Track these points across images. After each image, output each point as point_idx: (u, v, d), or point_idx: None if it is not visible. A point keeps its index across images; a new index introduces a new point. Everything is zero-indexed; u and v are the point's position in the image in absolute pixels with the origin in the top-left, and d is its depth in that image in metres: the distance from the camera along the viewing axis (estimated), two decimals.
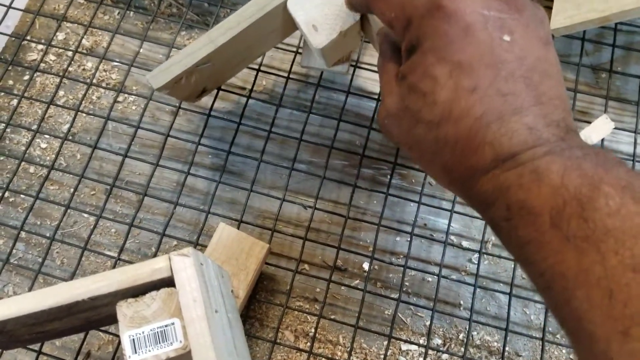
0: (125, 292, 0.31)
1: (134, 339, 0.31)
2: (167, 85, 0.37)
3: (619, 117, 0.45)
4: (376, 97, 0.45)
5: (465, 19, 0.24)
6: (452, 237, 0.43)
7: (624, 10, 0.41)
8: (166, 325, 0.31)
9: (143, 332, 0.31)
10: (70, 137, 0.45)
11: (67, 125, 0.45)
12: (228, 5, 0.49)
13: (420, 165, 0.29)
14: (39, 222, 0.44)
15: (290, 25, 0.38)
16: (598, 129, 0.43)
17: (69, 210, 0.43)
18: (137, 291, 0.31)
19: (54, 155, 0.44)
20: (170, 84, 0.37)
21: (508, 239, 0.24)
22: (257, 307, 0.41)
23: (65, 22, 0.49)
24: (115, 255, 0.41)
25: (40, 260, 0.41)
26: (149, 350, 0.30)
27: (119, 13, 0.49)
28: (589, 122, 0.44)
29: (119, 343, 0.39)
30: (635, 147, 0.43)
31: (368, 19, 0.36)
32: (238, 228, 0.42)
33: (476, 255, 0.42)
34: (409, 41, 0.26)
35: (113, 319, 0.33)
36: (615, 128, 0.44)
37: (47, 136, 0.46)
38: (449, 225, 0.42)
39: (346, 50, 0.43)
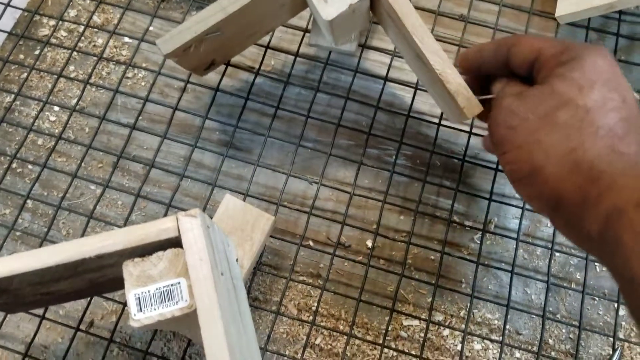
0: (132, 252, 0.31)
1: (139, 298, 0.31)
2: (176, 52, 0.37)
3: None
4: (383, 79, 0.46)
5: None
6: (456, 217, 0.43)
7: None
8: (172, 285, 0.31)
9: (149, 291, 0.31)
10: (79, 110, 0.46)
11: (76, 99, 0.46)
12: None
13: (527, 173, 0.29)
14: (45, 193, 0.44)
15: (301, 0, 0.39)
16: None
17: (76, 182, 0.44)
18: (144, 251, 0.32)
19: (62, 128, 0.45)
20: (180, 50, 0.37)
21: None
22: (261, 279, 0.41)
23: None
24: (122, 226, 0.41)
25: (45, 230, 0.41)
26: (155, 309, 0.31)
27: None
28: None
29: (122, 313, 0.40)
30: None
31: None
32: (244, 201, 0.42)
33: (479, 234, 0.43)
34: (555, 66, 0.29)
35: (118, 284, 0.33)
36: None
37: (56, 108, 0.46)
38: (452, 204, 0.42)
39: (355, 28, 0.44)
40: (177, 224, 0.31)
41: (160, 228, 0.31)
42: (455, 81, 0.37)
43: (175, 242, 0.31)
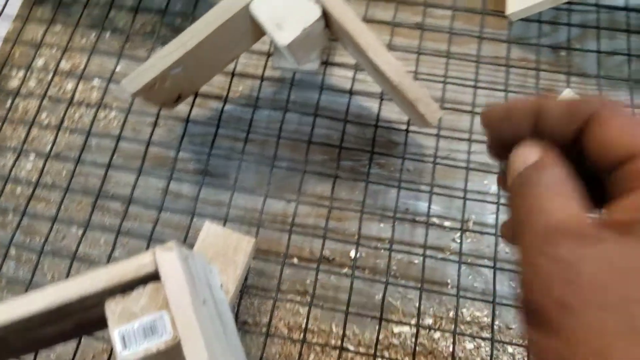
0: (113, 289, 0.32)
1: (123, 335, 0.31)
2: (142, 91, 0.38)
3: (582, 91, 0.47)
4: (348, 92, 0.47)
5: None
6: (434, 219, 0.44)
7: None
8: (155, 319, 0.31)
9: (133, 327, 0.31)
10: (55, 156, 0.47)
11: (50, 145, 0.46)
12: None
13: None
14: (28, 240, 0.45)
15: (259, 27, 0.40)
16: None
17: (57, 225, 0.44)
18: (126, 287, 0.32)
19: (39, 175, 0.45)
20: (145, 88, 0.38)
21: None
22: (249, 302, 0.42)
23: (43, 49, 0.51)
24: (105, 264, 0.41)
25: (30, 276, 0.41)
26: (140, 345, 0.31)
27: (95, 35, 0.51)
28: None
29: (112, 351, 0.40)
30: None
31: (331, 16, 0.38)
32: (224, 226, 0.43)
33: (459, 234, 0.43)
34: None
35: (104, 323, 0.33)
36: None
37: (32, 156, 0.47)
38: (429, 207, 0.43)
39: (314, 48, 0.45)
40: (155, 257, 0.32)
41: (138, 264, 0.32)
42: (414, 90, 0.38)
43: (155, 276, 0.32)
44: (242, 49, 0.46)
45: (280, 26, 0.37)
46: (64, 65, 0.50)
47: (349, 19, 0.37)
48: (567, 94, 0.46)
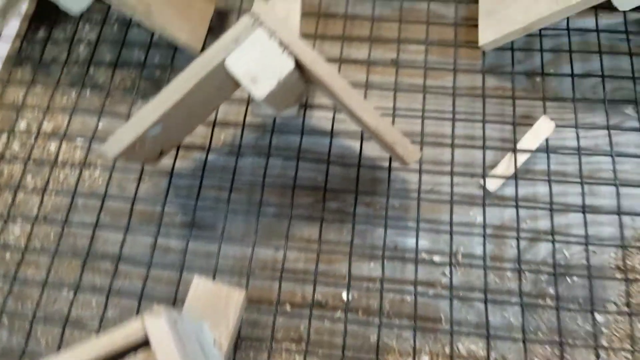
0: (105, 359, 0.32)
1: None
2: (123, 153, 0.38)
3: (559, 115, 0.48)
4: (329, 133, 0.48)
5: None
6: (423, 254, 0.44)
7: (542, 17, 0.45)
8: None
9: None
10: (42, 218, 0.47)
11: (37, 208, 0.47)
12: (178, 71, 0.52)
13: None
14: (19, 306, 0.44)
15: (235, 80, 0.41)
16: (540, 130, 0.46)
17: (48, 290, 0.44)
18: (116, 356, 0.32)
19: (27, 239, 0.46)
20: (126, 150, 0.39)
21: None
22: (244, 354, 0.42)
23: (25, 111, 0.51)
24: (97, 326, 0.41)
25: (24, 343, 0.41)
26: None
27: (75, 93, 0.51)
28: (532, 125, 0.46)
29: None
30: (578, 141, 0.45)
31: (304, 66, 0.38)
32: (214, 279, 0.43)
33: (448, 268, 0.43)
34: None
35: None
36: (557, 126, 0.46)
37: (19, 220, 0.47)
38: (417, 242, 0.43)
39: (293, 94, 0.45)
40: (144, 325, 0.32)
41: (127, 333, 0.32)
42: (391, 133, 0.38)
43: (145, 342, 0.32)
44: (221, 100, 0.46)
45: (255, 80, 0.38)
46: (46, 126, 0.50)
47: (321, 68, 0.38)
48: (543, 121, 0.46)
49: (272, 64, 0.38)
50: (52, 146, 0.50)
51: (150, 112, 0.38)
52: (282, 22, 0.38)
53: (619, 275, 0.43)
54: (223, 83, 0.42)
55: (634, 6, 0.43)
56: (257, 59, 0.38)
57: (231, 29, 0.38)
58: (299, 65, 0.39)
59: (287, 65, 0.38)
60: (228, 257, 0.45)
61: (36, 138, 0.49)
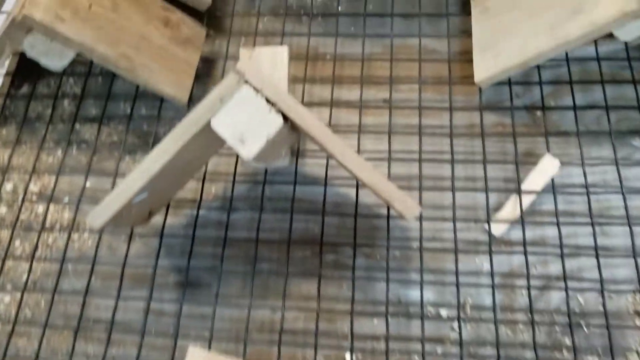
0: None
1: None
2: (108, 223, 0.37)
3: (563, 150, 0.46)
4: (323, 180, 0.46)
5: None
6: (429, 308, 0.42)
7: (540, 52, 0.43)
8: None
9: None
10: (32, 285, 0.45)
11: (26, 275, 0.45)
12: (166, 123, 0.50)
13: None
14: None
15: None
16: (545, 171, 0.43)
17: None
18: None
19: (17, 308, 0.44)
20: (111, 220, 0.37)
21: None
22: None
23: (11, 172, 0.50)
24: None
25: None
26: None
27: (61, 152, 0.50)
28: (536, 164, 0.44)
29: None
30: (586, 178, 0.43)
31: (294, 121, 0.36)
32: (209, 346, 0.41)
33: (456, 322, 0.41)
34: None
35: None
36: (563, 163, 0.44)
37: (8, 288, 0.46)
38: (421, 295, 0.41)
39: (283, 146, 0.44)
40: None
41: None
42: (387, 189, 0.36)
43: None
44: (210, 155, 0.45)
45: (243, 140, 0.36)
46: (33, 187, 0.49)
47: (311, 124, 0.36)
48: (547, 159, 0.44)
49: (259, 122, 0.36)
50: (40, 208, 0.48)
51: (134, 179, 0.37)
52: (268, 78, 0.37)
53: (638, 322, 0.40)
54: (211, 141, 0.40)
55: (637, 36, 0.41)
56: (244, 118, 0.36)
57: (216, 87, 0.36)
58: (288, 118, 0.37)
59: (276, 123, 0.36)
60: (224, 320, 0.43)
61: (23, 201, 0.48)
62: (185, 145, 0.37)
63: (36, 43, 0.44)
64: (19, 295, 0.45)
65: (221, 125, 0.37)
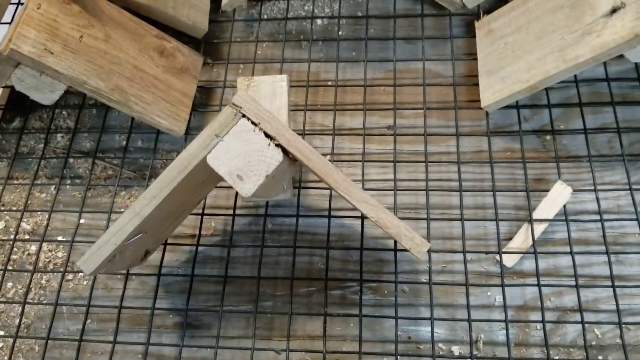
0: None
1: None
2: (100, 267, 0.35)
3: (575, 175, 0.44)
4: (326, 211, 0.44)
5: None
6: (440, 345, 0.40)
7: (549, 76, 0.41)
8: None
9: None
10: (25, 328, 0.43)
11: (19, 318, 0.43)
12: (162, 155, 0.49)
13: None
14: None
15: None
16: (557, 198, 0.42)
17: None
18: None
19: (10, 354, 0.42)
20: (104, 264, 0.35)
21: None
22: None
23: (3, 210, 0.48)
24: None
25: None
26: None
27: (55, 187, 0.48)
28: (547, 191, 0.42)
29: None
30: (599, 205, 0.41)
31: (294, 157, 0.35)
32: None
33: None
34: None
35: None
36: (575, 190, 0.42)
37: (1, 333, 0.44)
38: (432, 332, 0.39)
39: (284, 180, 0.42)
40: None
41: None
42: (394, 224, 0.34)
43: None
44: (208, 190, 0.43)
45: (241, 177, 0.34)
46: (25, 225, 0.47)
47: (314, 161, 0.34)
48: (559, 186, 0.42)
49: (258, 157, 0.35)
50: (33, 247, 0.46)
51: (126, 222, 0.35)
52: (266, 111, 0.35)
53: None
54: (208, 177, 0.39)
55: None
56: (242, 153, 0.35)
57: (212, 121, 0.35)
58: (287, 153, 0.35)
59: (275, 158, 0.35)
60: None
61: (15, 240, 0.46)
62: (179, 184, 0.35)
63: (25, 77, 0.43)
64: (11, 341, 0.43)
65: (217, 162, 0.35)
